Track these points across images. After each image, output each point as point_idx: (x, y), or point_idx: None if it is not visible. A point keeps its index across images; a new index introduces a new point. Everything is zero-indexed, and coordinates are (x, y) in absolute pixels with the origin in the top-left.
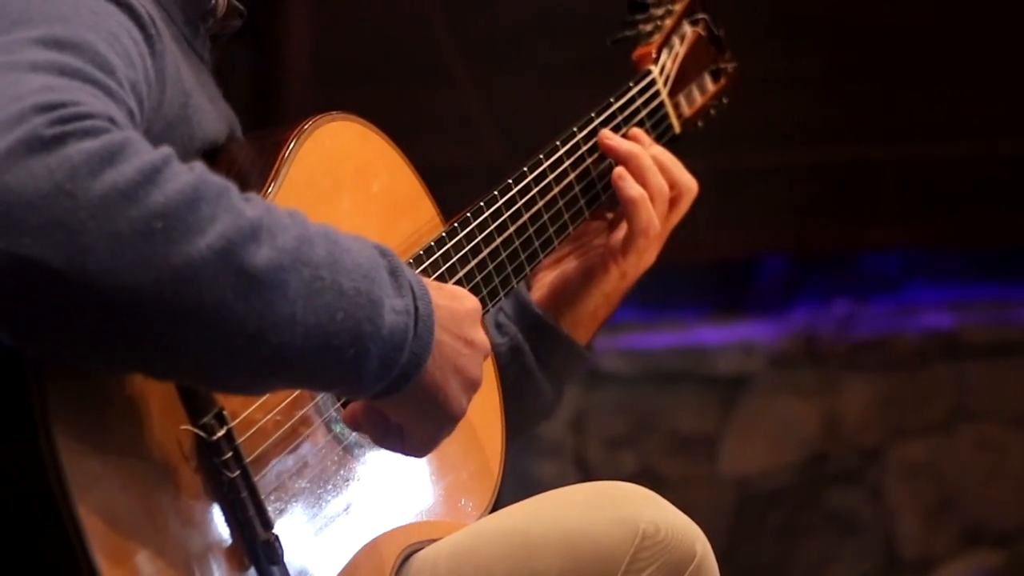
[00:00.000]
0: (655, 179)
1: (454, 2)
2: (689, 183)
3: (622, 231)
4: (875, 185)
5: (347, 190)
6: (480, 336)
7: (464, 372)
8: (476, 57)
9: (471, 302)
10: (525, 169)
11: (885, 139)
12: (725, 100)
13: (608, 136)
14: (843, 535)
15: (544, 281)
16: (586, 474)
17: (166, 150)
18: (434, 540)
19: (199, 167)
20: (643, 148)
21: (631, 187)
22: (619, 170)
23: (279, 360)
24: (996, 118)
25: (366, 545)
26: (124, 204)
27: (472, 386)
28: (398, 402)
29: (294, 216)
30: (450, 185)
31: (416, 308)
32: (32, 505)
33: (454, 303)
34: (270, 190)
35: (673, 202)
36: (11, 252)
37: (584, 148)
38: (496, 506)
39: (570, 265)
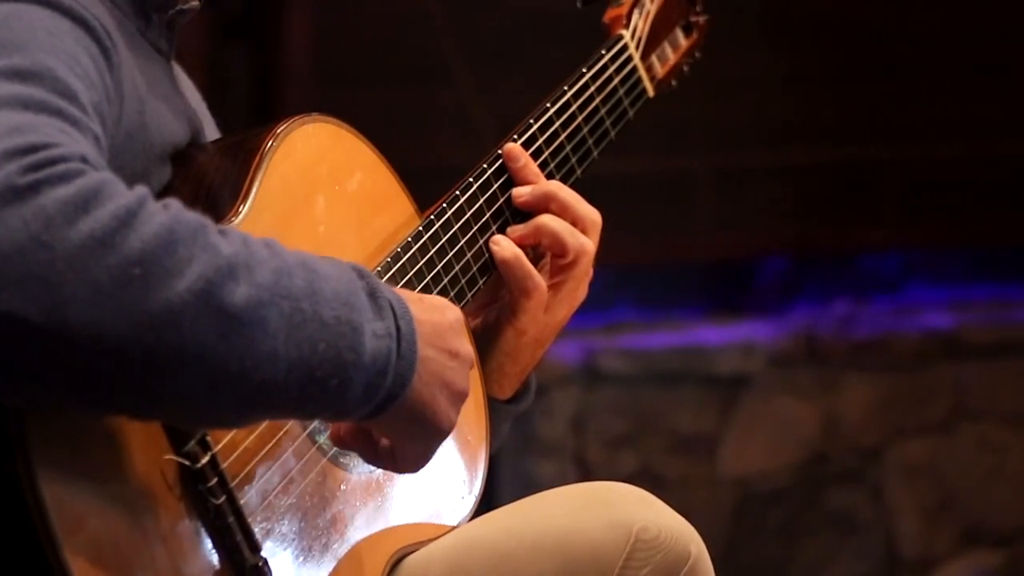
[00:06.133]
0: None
1: (454, 2)
2: (591, 215)
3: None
4: (875, 185)
5: (322, 192)
6: (465, 347)
7: (451, 386)
8: (476, 57)
9: (453, 313)
10: (485, 166)
11: (885, 139)
12: (698, 55)
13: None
14: (843, 535)
15: None
16: (586, 474)
17: (141, 190)
18: (423, 542)
19: (174, 205)
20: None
21: (502, 249)
22: (495, 236)
23: (263, 396)
24: (996, 118)
25: (354, 551)
26: (101, 252)
27: (460, 398)
28: (386, 422)
29: (271, 246)
30: (449, 184)
31: (398, 328)
32: (13, 543)
33: (436, 315)
34: (245, 202)
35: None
36: None
37: (554, 125)
38: (493, 504)
39: (476, 320)
